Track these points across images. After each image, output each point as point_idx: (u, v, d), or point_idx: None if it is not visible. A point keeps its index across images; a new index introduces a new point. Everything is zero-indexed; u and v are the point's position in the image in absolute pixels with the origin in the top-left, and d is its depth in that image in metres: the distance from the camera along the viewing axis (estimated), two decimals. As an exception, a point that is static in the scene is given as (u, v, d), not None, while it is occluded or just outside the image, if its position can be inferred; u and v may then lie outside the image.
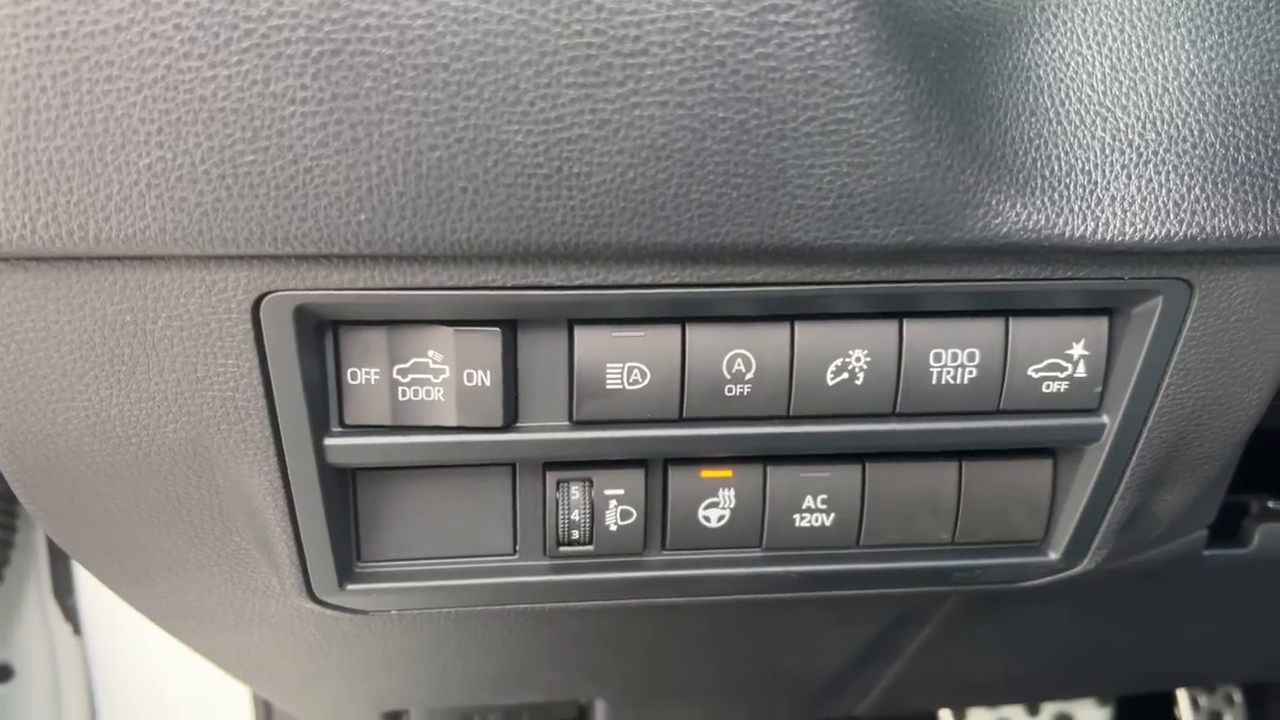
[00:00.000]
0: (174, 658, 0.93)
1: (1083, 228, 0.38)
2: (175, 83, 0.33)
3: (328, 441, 0.42)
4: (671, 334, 0.42)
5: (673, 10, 0.33)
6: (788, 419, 0.44)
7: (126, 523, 0.45)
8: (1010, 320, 0.44)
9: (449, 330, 0.41)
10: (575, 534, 0.46)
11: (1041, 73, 0.38)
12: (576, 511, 0.46)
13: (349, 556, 0.46)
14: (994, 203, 0.37)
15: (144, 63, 0.32)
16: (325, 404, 0.42)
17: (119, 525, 0.45)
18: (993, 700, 1.13)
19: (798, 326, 0.42)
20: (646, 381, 0.42)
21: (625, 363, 0.42)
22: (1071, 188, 0.38)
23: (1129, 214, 0.38)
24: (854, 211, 0.37)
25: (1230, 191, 0.38)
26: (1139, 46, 0.38)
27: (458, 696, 0.68)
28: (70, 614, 1.00)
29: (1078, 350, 0.44)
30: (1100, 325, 0.44)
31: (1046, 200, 0.38)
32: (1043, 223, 0.38)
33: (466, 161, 0.34)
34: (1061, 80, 0.38)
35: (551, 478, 0.45)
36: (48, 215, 0.34)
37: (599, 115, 0.34)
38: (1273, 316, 0.43)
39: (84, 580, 0.94)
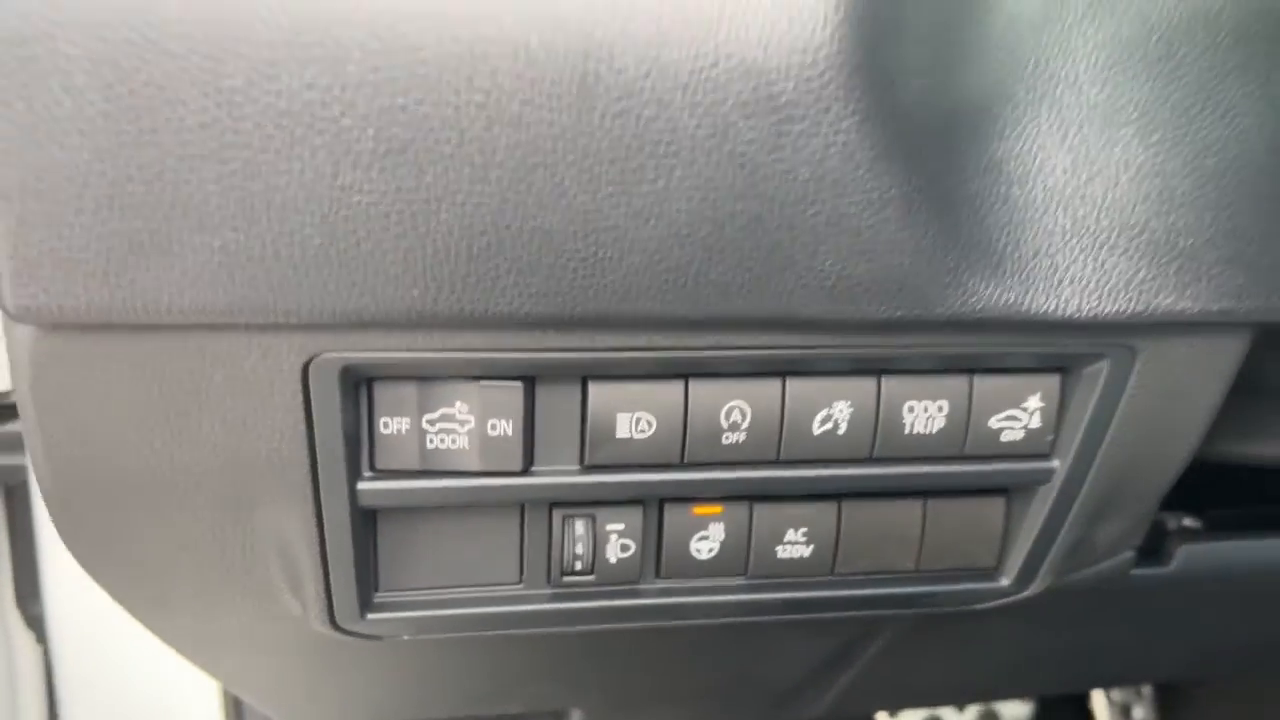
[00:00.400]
0: (143, 670, 0.94)
1: (1046, 305, 0.43)
2: (252, 174, 0.36)
3: (360, 485, 0.45)
4: (676, 387, 0.46)
5: (703, 120, 0.37)
6: (776, 463, 0.49)
7: (159, 556, 0.48)
8: (974, 377, 0.48)
9: (475, 385, 0.45)
10: (578, 565, 0.50)
11: (1012, 166, 0.42)
12: (580, 545, 0.50)
13: (369, 588, 0.49)
14: (971, 283, 0.42)
15: (223, 155, 0.35)
16: (358, 451, 0.45)
17: (151, 558, 0.48)
18: (932, 702, 1.20)
19: (789, 382, 0.47)
20: (653, 430, 0.46)
21: (633, 413, 0.46)
22: (1037, 269, 0.43)
23: (1085, 293, 0.43)
24: (850, 290, 0.41)
25: (1172, 272, 0.43)
26: (1095, 142, 0.42)
27: (440, 710, 0.72)
28: (34, 622, 1.00)
29: (1033, 403, 0.49)
30: (1053, 382, 0.49)
31: (1015, 280, 0.43)
32: (1011, 300, 0.43)
33: (513, 246, 0.38)
34: (1029, 173, 0.42)
35: (558, 514, 0.49)
36: (126, 290, 0.37)
37: (633, 208, 0.38)
38: (1203, 377, 0.49)
39: (52, 590, 0.94)
